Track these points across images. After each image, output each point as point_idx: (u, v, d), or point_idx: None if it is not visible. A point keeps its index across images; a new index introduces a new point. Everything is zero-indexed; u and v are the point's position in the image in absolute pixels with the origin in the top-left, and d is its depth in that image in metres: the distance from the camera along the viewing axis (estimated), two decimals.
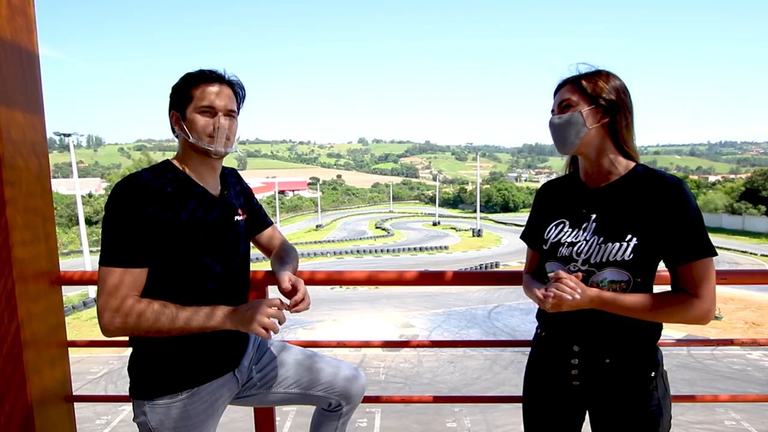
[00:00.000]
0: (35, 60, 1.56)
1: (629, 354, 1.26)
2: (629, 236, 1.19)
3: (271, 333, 1.21)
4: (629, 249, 1.19)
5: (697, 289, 1.18)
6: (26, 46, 1.52)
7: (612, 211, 1.24)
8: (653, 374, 1.26)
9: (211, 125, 1.28)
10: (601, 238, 1.23)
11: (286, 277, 1.36)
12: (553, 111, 1.30)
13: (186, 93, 1.28)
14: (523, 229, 1.51)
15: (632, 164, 1.26)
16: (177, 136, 1.33)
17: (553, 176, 1.46)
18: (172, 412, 1.28)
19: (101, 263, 1.21)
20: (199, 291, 1.28)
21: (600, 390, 1.28)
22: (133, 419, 1.31)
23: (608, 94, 1.22)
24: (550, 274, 1.24)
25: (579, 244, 1.26)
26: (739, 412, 8.35)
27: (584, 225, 1.27)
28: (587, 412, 1.37)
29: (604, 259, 1.22)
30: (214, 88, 1.29)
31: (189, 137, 1.27)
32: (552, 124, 1.28)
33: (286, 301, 1.32)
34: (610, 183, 1.27)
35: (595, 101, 1.22)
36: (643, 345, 1.26)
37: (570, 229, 1.30)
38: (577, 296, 1.15)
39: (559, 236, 1.31)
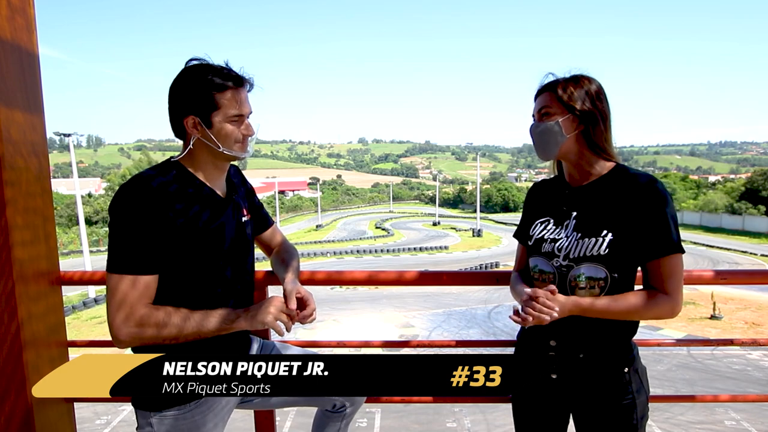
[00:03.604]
0: (35, 60, 1.56)
1: (602, 350, 1.31)
2: (605, 232, 1.25)
3: (283, 330, 1.23)
4: (604, 244, 1.24)
5: (664, 285, 1.23)
6: (26, 46, 1.52)
7: (590, 209, 1.30)
8: (626, 370, 1.30)
9: (241, 133, 1.25)
10: (579, 234, 1.29)
11: (293, 294, 1.30)
12: (533, 116, 1.35)
13: (209, 98, 1.20)
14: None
15: (611, 165, 1.32)
16: (188, 139, 1.25)
17: (551, 176, 1.49)
18: (181, 423, 1.25)
19: (110, 270, 1.16)
20: (208, 295, 1.26)
21: (576, 384, 1.33)
22: (137, 429, 1.29)
23: (583, 102, 1.27)
24: (527, 290, 1.26)
25: (560, 240, 1.32)
26: (739, 412, 8.33)
27: (566, 222, 1.33)
28: (571, 408, 1.41)
29: (581, 254, 1.27)
30: (241, 94, 1.23)
31: (218, 146, 1.23)
32: (532, 133, 1.35)
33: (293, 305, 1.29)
34: (589, 182, 1.33)
35: (572, 110, 1.27)
36: (617, 341, 1.31)
37: (554, 227, 1.36)
38: (555, 314, 1.20)
39: (543, 233, 1.37)
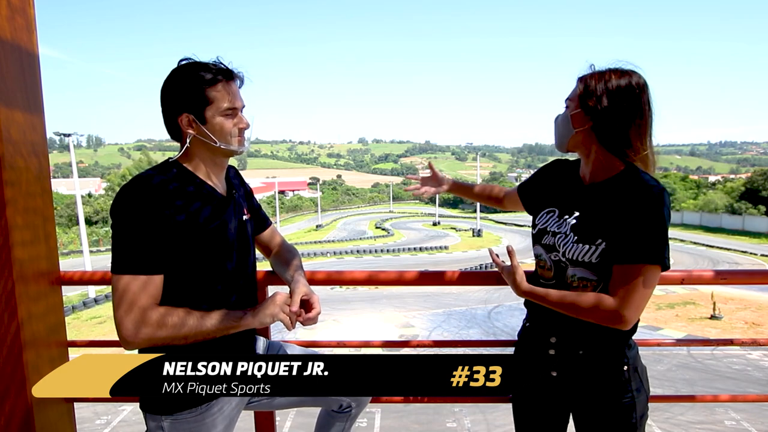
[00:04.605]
0: (35, 60, 1.56)
1: (602, 347, 1.29)
2: (599, 240, 1.22)
3: (290, 324, 1.25)
4: (597, 252, 1.22)
5: (616, 290, 1.17)
6: (26, 46, 1.52)
7: (590, 213, 1.27)
8: (626, 368, 1.29)
9: (236, 126, 1.26)
10: (576, 237, 1.26)
11: (298, 296, 1.30)
12: None
13: (200, 94, 1.21)
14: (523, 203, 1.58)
15: (621, 167, 1.25)
16: (184, 138, 1.26)
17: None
18: (192, 425, 1.25)
19: (116, 271, 1.15)
20: (210, 292, 1.26)
21: (576, 381, 1.33)
22: None
23: (599, 98, 1.19)
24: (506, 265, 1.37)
25: (559, 236, 1.31)
26: (739, 412, 8.33)
27: (567, 219, 1.32)
28: (571, 407, 1.41)
29: (574, 258, 1.26)
30: (231, 87, 1.25)
31: (215, 141, 1.23)
32: (554, 121, 1.34)
33: (295, 308, 1.29)
34: (596, 183, 1.29)
35: (584, 105, 1.22)
36: (616, 339, 1.29)
37: (557, 218, 1.34)
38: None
39: (547, 224, 1.36)
